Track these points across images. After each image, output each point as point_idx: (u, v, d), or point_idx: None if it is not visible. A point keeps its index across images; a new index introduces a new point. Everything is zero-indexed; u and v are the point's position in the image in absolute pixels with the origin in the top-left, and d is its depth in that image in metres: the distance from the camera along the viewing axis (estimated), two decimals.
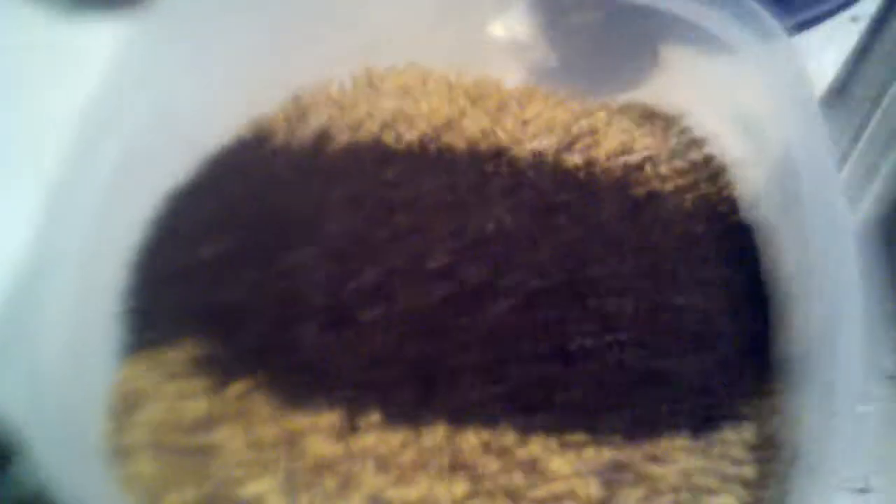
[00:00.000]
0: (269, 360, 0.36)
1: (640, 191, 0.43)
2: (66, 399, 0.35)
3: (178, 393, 0.35)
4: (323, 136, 0.43)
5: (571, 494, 0.35)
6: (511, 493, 0.34)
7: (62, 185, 0.38)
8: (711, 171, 0.47)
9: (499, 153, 0.43)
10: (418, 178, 0.41)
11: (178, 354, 0.36)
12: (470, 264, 0.37)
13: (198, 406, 0.35)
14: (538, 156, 0.43)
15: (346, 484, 0.34)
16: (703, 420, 0.38)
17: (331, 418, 0.35)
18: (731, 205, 0.46)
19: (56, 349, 0.36)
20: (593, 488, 0.35)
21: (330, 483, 0.33)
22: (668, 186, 0.45)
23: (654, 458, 0.36)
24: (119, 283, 0.39)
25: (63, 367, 0.35)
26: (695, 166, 0.47)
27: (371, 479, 0.34)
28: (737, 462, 0.38)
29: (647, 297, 0.38)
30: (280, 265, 0.37)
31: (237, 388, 0.35)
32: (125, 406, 0.36)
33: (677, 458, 0.37)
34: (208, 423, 0.35)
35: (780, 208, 0.44)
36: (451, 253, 0.38)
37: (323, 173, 0.41)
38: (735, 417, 0.38)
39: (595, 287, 0.38)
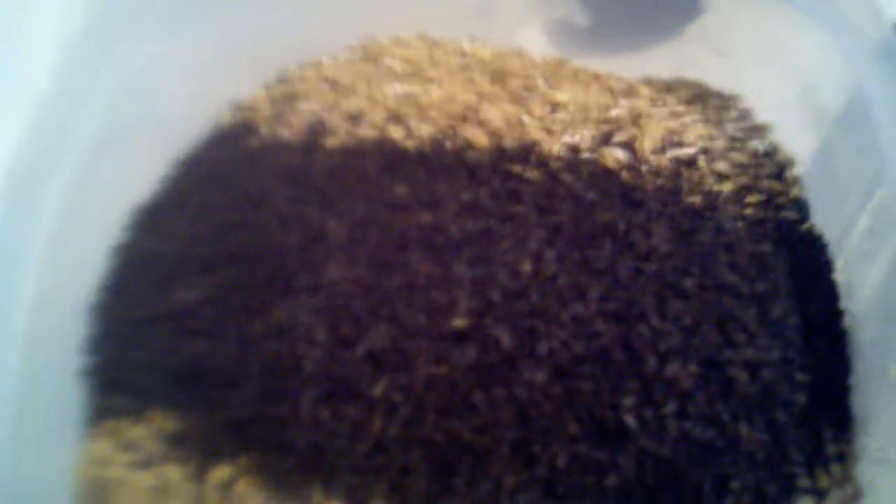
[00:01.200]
0: (257, 438, 0.30)
1: (694, 198, 0.36)
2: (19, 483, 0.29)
3: (153, 486, 0.29)
4: (316, 131, 0.36)
5: None
6: None
7: (9, 199, 0.31)
8: (776, 166, 0.40)
9: (527, 150, 0.36)
10: (435, 194, 0.33)
11: (149, 429, 0.30)
12: (501, 323, 0.31)
13: None
14: (573, 152, 0.36)
15: None
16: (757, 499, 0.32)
17: None
18: (800, 209, 0.39)
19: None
20: None
21: None
22: (727, 188, 0.38)
23: None
24: (76, 333, 0.33)
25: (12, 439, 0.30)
26: (756, 159, 0.40)
27: None
28: None
29: (712, 353, 0.32)
30: (270, 319, 0.31)
31: (220, 473, 0.29)
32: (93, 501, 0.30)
33: None
34: None
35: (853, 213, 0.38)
36: (478, 309, 0.31)
37: (318, 188, 0.34)
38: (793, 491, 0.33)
39: (652, 345, 0.31)
